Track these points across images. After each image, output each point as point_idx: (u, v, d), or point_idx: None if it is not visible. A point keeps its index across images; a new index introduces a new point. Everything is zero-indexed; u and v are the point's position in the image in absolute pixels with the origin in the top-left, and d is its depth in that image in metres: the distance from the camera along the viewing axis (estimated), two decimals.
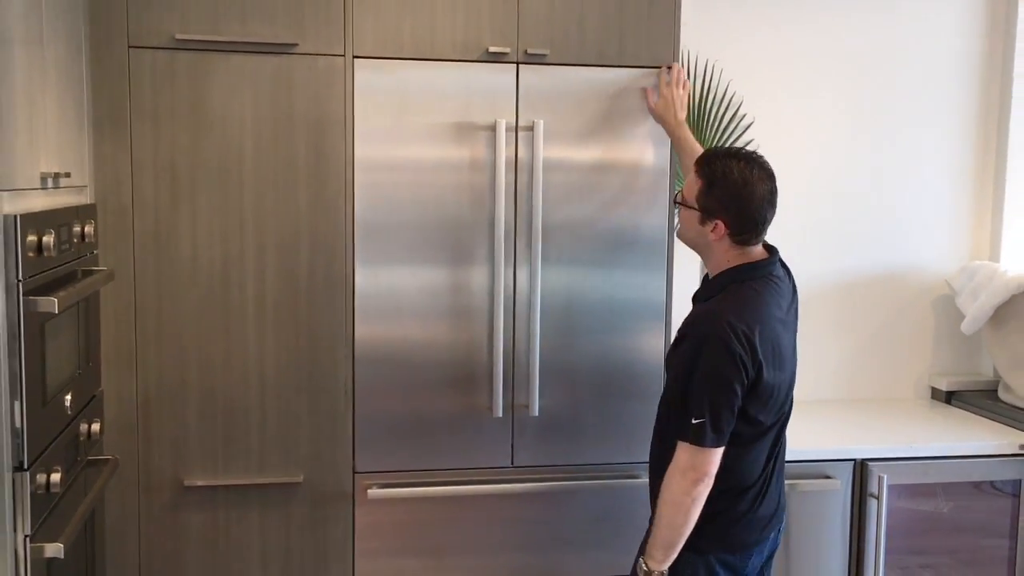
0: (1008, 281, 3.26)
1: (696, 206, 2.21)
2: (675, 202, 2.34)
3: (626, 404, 2.84)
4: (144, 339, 2.58)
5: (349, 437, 2.71)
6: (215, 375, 2.62)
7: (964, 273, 3.48)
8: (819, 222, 3.55)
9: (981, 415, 3.41)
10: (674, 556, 2.17)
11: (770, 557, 2.37)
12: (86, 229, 2.28)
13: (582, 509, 2.84)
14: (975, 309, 3.35)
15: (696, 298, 2.32)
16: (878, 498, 2.96)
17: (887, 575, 3.04)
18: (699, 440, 2.10)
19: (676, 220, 2.35)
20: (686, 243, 2.33)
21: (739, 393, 2.10)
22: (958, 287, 3.49)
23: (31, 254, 1.87)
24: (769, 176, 2.20)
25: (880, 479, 2.95)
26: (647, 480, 2.83)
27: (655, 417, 2.34)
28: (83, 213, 2.30)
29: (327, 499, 2.71)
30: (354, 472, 2.72)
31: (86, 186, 2.44)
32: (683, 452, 2.14)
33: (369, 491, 2.72)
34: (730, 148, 2.27)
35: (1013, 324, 3.30)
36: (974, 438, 3.13)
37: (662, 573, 2.18)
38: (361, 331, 2.68)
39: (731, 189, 2.16)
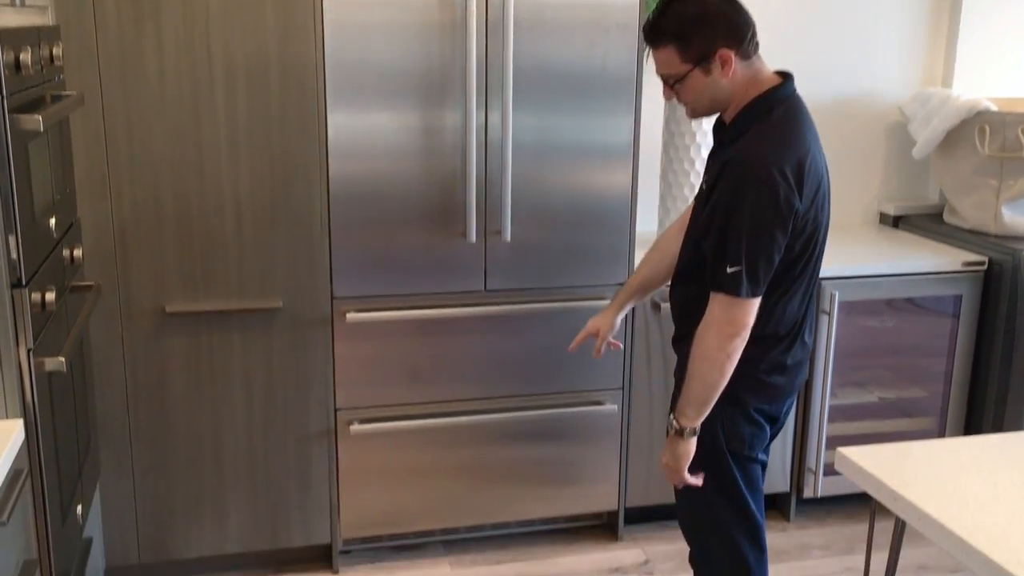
0: (960, 106, 3.36)
1: (691, 65, 2.00)
2: (671, 89, 2.08)
3: (595, 232, 2.92)
4: (116, 167, 2.56)
5: (326, 264, 2.76)
6: (190, 203, 2.63)
7: (917, 100, 3.57)
8: (774, 51, 3.56)
9: (927, 237, 3.57)
10: (707, 413, 2.07)
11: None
12: (54, 51, 2.22)
13: (553, 330, 2.96)
14: (927, 134, 3.46)
15: (720, 142, 2.15)
16: (829, 314, 3.13)
17: (835, 389, 3.25)
18: (734, 290, 1.96)
19: (679, 104, 2.19)
20: (707, 111, 2.12)
21: (780, 240, 1.96)
22: (911, 113, 3.58)
23: (8, 72, 1.84)
24: None
25: (832, 296, 3.12)
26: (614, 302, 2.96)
27: (676, 261, 2.23)
28: (49, 34, 2.24)
29: (306, 324, 2.78)
30: (332, 297, 2.79)
31: (47, 7, 2.37)
32: (717, 305, 2.00)
33: (347, 315, 2.80)
34: (656, 7, 2.04)
35: (961, 148, 3.43)
36: (920, 257, 3.30)
37: (694, 430, 2.08)
38: (335, 166, 2.70)
39: (700, 20, 1.99)
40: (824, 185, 2.07)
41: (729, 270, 1.96)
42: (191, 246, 2.65)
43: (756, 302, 2.00)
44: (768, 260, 1.97)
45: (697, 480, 2.15)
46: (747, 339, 2.01)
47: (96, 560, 2.63)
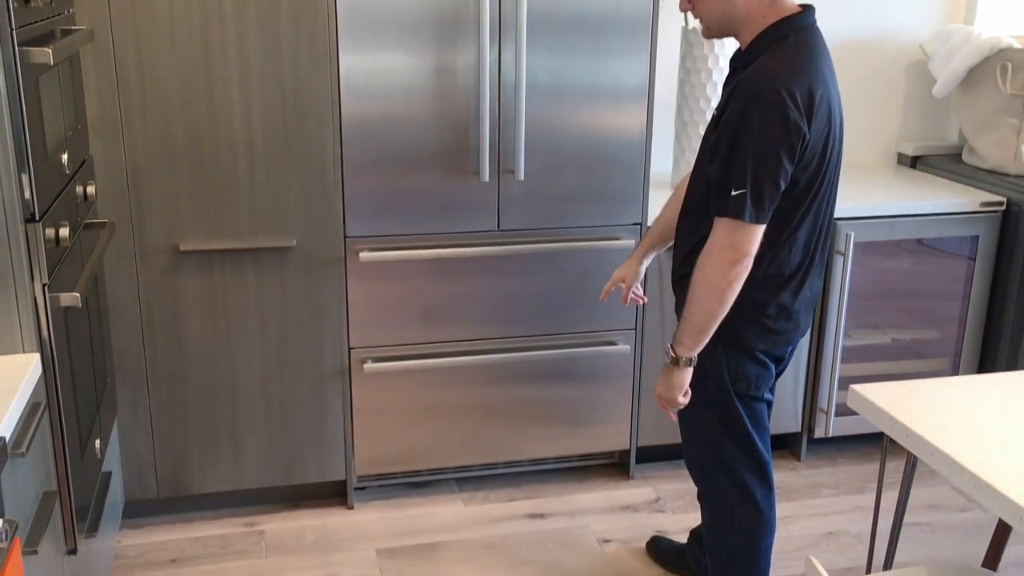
0: (982, 43, 3.30)
1: None
2: None
3: (609, 172, 2.90)
4: (128, 105, 2.55)
5: (339, 203, 2.75)
6: (202, 142, 2.62)
7: (939, 37, 3.51)
8: None
9: (945, 177, 3.53)
10: (704, 342, 2.04)
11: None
12: None
13: (566, 270, 2.96)
14: (948, 72, 3.40)
15: (734, 68, 2.09)
16: (844, 254, 3.11)
17: (848, 330, 3.24)
18: (738, 213, 1.91)
19: (693, 21, 2.12)
20: (720, 30, 2.07)
21: (787, 165, 1.92)
22: (932, 51, 3.52)
23: (17, 4, 1.82)
24: None
25: (847, 237, 3.09)
26: (630, 242, 2.96)
27: (685, 196, 2.20)
28: None
29: (320, 263, 2.79)
30: (345, 236, 2.79)
31: None
32: (720, 229, 1.96)
33: (360, 254, 2.80)
34: None
35: (983, 86, 3.37)
36: (937, 197, 3.26)
37: (690, 360, 2.06)
38: (347, 105, 2.67)
39: None
40: (836, 124, 2.02)
41: (734, 193, 1.92)
42: (204, 185, 2.65)
43: (760, 229, 1.96)
44: (773, 185, 1.93)
45: (685, 399, 2.12)
46: (749, 268, 1.98)
47: (116, 494, 2.67)
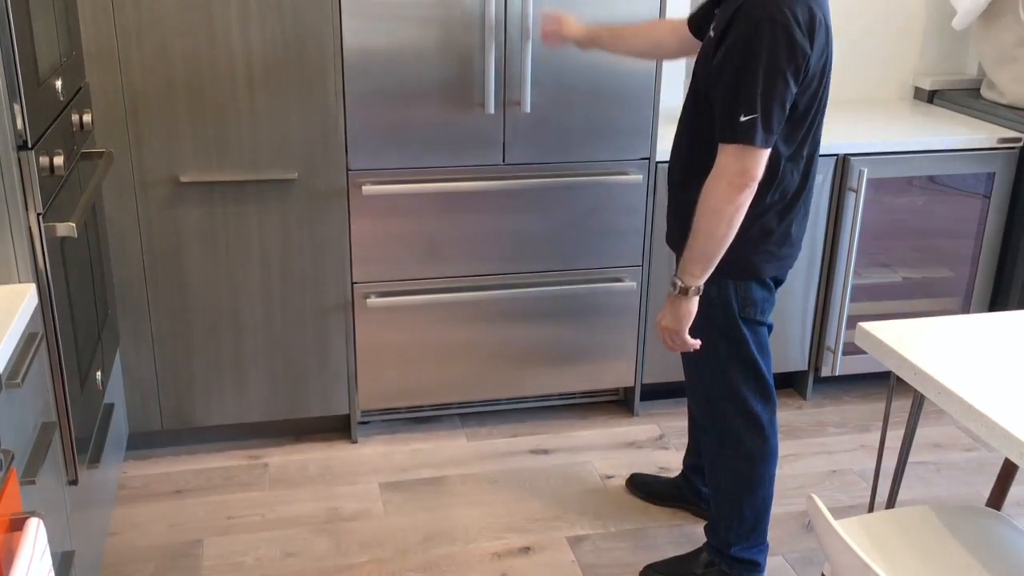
0: None
1: None
2: None
3: (617, 104, 2.83)
4: (124, 31, 2.49)
5: (341, 136, 2.70)
6: (201, 71, 2.56)
7: None
8: None
9: (963, 112, 3.45)
10: (711, 270, 2.02)
11: None
12: None
13: (573, 205, 2.91)
14: (968, 3, 3.30)
15: None
16: (857, 191, 3.05)
17: (858, 268, 3.19)
18: (748, 138, 1.90)
19: None
20: None
21: (792, 87, 1.91)
22: None
23: None
24: None
25: (860, 173, 3.03)
26: (638, 177, 2.91)
27: (679, 118, 2.18)
28: None
29: (322, 196, 2.74)
30: (347, 169, 2.74)
31: None
32: (728, 156, 1.93)
33: (363, 188, 2.75)
34: None
35: (1004, 19, 3.27)
36: (954, 133, 3.18)
37: (698, 289, 2.05)
38: (349, 35, 2.61)
39: None
40: (831, 51, 2.01)
41: (743, 118, 1.89)
42: (203, 114, 2.60)
43: (767, 153, 1.95)
44: (781, 107, 1.92)
45: (696, 343, 2.13)
46: (754, 192, 1.96)
47: (119, 425, 2.68)
